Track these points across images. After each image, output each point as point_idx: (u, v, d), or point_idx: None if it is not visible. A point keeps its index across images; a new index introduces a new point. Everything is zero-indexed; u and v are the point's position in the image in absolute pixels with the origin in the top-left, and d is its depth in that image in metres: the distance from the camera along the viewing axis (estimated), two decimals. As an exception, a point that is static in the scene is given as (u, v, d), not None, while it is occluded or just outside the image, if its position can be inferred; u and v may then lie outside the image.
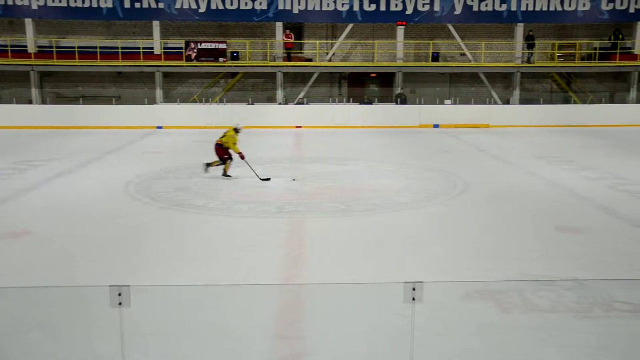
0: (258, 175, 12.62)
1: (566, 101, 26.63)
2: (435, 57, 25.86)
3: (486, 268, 7.22)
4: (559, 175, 13.45)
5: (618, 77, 26.57)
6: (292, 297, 6.36)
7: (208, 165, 13.04)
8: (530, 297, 6.16)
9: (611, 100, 26.73)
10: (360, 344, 5.14)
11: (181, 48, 24.67)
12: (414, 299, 3.02)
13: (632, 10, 25.11)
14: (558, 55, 26.18)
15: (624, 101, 25.90)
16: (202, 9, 24.60)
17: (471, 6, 25.04)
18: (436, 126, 23.44)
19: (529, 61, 25.82)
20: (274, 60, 25.65)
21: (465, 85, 26.95)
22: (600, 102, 26.33)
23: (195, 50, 24.48)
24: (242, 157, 12.68)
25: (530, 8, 25.07)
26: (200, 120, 22.85)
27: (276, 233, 8.88)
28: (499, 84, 26.55)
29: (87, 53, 24.58)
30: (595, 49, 26.12)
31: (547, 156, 16.19)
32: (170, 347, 5.12)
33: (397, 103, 24.73)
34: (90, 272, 7.03)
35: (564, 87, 26.95)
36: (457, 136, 20.92)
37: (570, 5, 25.06)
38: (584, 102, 26.44)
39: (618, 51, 25.39)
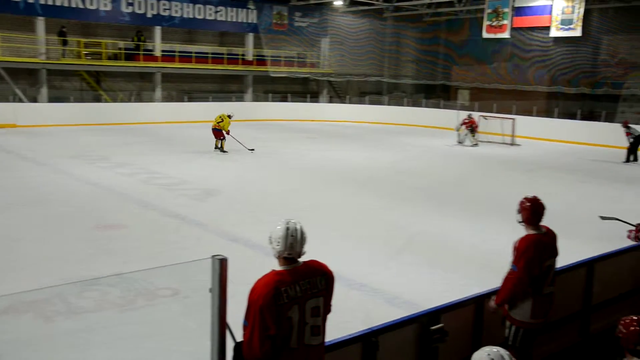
0: (245, 146, 17.24)
1: (97, 99, 26.78)
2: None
3: (24, 278, 6.64)
4: (96, 173, 13.43)
5: (144, 77, 28.14)
6: None
7: (217, 148, 17.42)
8: (75, 300, 5.93)
9: (140, 99, 28.14)
10: None
11: None
12: None
13: (149, 15, 26.84)
14: (85, 54, 26.08)
15: (151, 100, 27.59)
16: None
17: (-19, -6, 22.65)
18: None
19: (62, 57, 24.96)
20: None
21: (-15, 81, 24.32)
22: (130, 101, 27.46)
23: None
24: (228, 133, 17.17)
25: (51, 2, 24.13)
26: None
27: None
28: (24, 81, 24.82)
29: None
30: (120, 49, 27.03)
31: (83, 155, 15.98)
32: None
33: None
34: None
35: (94, 86, 27.05)
36: (-21, 138, 18.76)
37: (92, 4, 25.17)
38: (115, 100, 27.07)
39: (142, 52, 26.89)
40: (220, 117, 17.36)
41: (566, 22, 25.46)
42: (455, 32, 31.82)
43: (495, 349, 2.72)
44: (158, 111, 26.15)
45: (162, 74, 27.62)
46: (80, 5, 24.89)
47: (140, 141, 19.64)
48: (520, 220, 4.32)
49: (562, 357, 5.11)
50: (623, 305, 5.70)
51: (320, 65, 33.01)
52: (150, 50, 27.55)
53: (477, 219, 10.32)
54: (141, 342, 5.18)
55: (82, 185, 12.20)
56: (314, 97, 32.52)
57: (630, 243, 6.13)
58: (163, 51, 27.66)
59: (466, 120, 21.29)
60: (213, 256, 2.94)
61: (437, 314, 4.14)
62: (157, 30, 27.46)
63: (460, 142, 21.24)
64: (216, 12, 28.82)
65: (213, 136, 17.46)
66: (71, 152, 16.38)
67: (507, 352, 2.70)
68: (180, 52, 27.84)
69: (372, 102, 31.39)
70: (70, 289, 6.12)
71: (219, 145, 17.41)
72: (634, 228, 6.28)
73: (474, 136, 21.21)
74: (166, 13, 27.26)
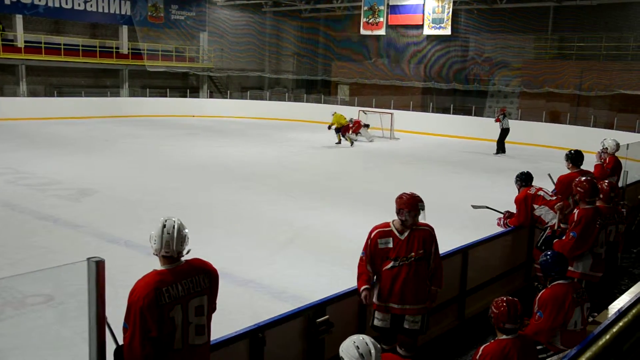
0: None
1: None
2: None
3: None
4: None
5: (6, 69, 26.03)
6: None
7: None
8: None
9: (2, 93, 26.03)
10: None
11: None
12: None
13: (7, 2, 24.53)
14: None
15: (15, 94, 25.64)
16: None
17: None
18: None
19: None
20: None
21: None
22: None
23: None
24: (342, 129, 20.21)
25: None
26: None
27: None
28: None
29: None
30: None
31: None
32: None
33: None
34: None
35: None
36: None
37: None
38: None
39: (1, 42, 24.76)
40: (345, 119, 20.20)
41: (437, 21, 26.72)
42: (334, 28, 32.41)
43: (361, 337, 2.83)
44: (23, 106, 24.38)
45: (27, 67, 25.71)
46: None
47: (4, 139, 18.21)
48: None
49: (443, 340, 5.35)
50: (495, 288, 6.08)
51: (200, 60, 32.36)
52: (12, 41, 25.52)
53: (359, 211, 10.58)
54: (11, 356, 4.79)
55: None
56: (194, 93, 31.84)
57: (500, 229, 6.54)
58: (27, 42, 25.67)
59: (351, 125, 21.40)
60: (89, 258, 2.78)
61: (322, 306, 4.18)
62: (19, 19, 25.40)
63: (363, 138, 21.46)
64: (86, 1, 27.23)
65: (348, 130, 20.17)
66: None
67: (372, 339, 2.81)
68: (46, 43, 26.01)
69: (253, 98, 31.26)
70: None
71: (351, 136, 20.11)
72: (502, 215, 6.70)
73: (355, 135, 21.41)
74: (28, 0, 25.27)
